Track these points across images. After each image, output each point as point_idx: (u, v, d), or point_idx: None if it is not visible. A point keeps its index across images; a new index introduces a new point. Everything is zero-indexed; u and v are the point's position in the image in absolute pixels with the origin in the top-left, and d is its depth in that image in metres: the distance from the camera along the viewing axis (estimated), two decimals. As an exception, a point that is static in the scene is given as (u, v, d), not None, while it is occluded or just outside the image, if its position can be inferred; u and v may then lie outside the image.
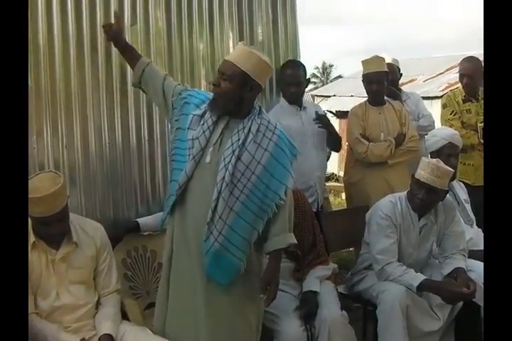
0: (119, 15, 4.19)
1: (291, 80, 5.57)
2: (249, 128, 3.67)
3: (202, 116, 3.73)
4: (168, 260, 3.88)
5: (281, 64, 5.72)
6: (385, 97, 6.15)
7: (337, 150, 6.21)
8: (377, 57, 6.04)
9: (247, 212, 3.65)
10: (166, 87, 3.92)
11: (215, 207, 3.60)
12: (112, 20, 4.10)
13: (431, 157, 5.12)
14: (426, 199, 4.57)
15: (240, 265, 3.69)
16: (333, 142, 5.82)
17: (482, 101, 6.20)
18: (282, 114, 5.50)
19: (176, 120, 3.84)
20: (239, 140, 3.64)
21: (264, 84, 3.76)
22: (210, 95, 3.79)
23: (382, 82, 5.94)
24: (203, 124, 3.69)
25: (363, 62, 6.03)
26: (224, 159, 3.62)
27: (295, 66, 5.67)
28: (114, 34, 3.96)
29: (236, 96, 3.64)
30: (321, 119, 5.64)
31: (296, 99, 5.66)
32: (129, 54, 4.02)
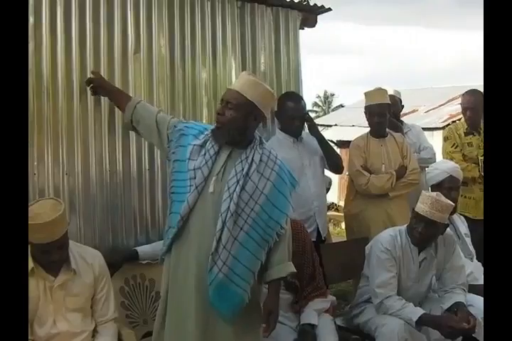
0: (94, 71, 4.34)
1: (296, 113, 5.46)
2: (252, 158, 3.67)
3: (202, 146, 3.72)
4: (165, 291, 3.84)
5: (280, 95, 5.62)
6: (387, 129, 6.14)
7: (338, 172, 6.05)
8: (379, 89, 6.06)
9: (250, 242, 3.64)
10: (159, 120, 3.95)
11: (220, 237, 3.58)
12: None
13: (431, 190, 5.13)
14: (425, 233, 4.56)
15: (244, 295, 3.66)
16: (332, 161, 5.73)
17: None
18: (279, 146, 5.28)
19: (173, 152, 3.83)
20: (243, 170, 3.64)
21: (268, 114, 3.76)
22: (208, 126, 3.83)
23: (385, 114, 5.94)
24: (205, 154, 3.68)
25: (365, 93, 6.05)
26: (228, 188, 3.61)
27: (297, 99, 5.57)
28: (96, 87, 4.08)
29: (241, 125, 3.64)
30: (309, 120, 5.67)
31: (297, 133, 5.57)
32: (118, 95, 4.08)
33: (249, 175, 3.64)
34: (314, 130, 5.69)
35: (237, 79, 3.77)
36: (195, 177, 3.65)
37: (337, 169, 5.84)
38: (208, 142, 3.72)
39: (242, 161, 3.67)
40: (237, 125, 3.64)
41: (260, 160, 3.69)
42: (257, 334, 3.83)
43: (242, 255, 3.62)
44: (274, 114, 5.64)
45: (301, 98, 5.67)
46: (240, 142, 3.71)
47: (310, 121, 5.70)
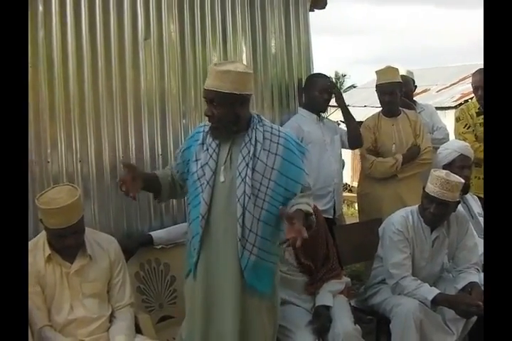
0: (126, 163, 3.95)
1: (326, 88, 5.70)
2: (256, 138, 3.68)
3: (203, 143, 3.75)
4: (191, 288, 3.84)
5: (298, 76, 5.88)
6: (400, 108, 6.15)
7: (358, 144, 6.06)
8: (390, 67, 6.04)
9: (272, 218, 3.66)
10: (173, 172, 3.94)
11: (243, 222, 3.61)
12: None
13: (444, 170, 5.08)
14: (437, 213, 4.57)
15: (276, 268, 3.78)
16: (353, 136, 5.87)
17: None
18: (304, 121, 5.66)
19: (183, 173, 3.87)
20: (249, 152, 3.65)
21: (251, 90, 3.74)
22: (200, 127, 3.85)
23: (395, 92, 5.94)
24: (207, 149, 3.71)
25: (376, 72, 6.04)
26: (240, 174, 3.62)
27: (326, 76, 5.88)
28: (133, 188, 3.68)
29: (232, 116, 3.63)
30: (336, 92, 5.83)
31: (325, 107, 5.83)
32: (150, 182, 3.88)
33: (256, 156, 3.64)
34: (341, 99, 5.85)
35: (208, 74, 3.73)
36: (204, 174, 3.67)
37: (356, 140, 5.93)
38: (208, 136, 3.74)
39: (246, 144, 3.67)
40: (229, 118, 3.63)
41: (264, 138, 3.69)
42: (275, 315, 3.89)
43: (267, 232, 3.66)
44: (299, 91, 5.87)
45: (328, 76, 5.92)
46: (239, 128, 3.71)
47: (337, 92, 5.87)
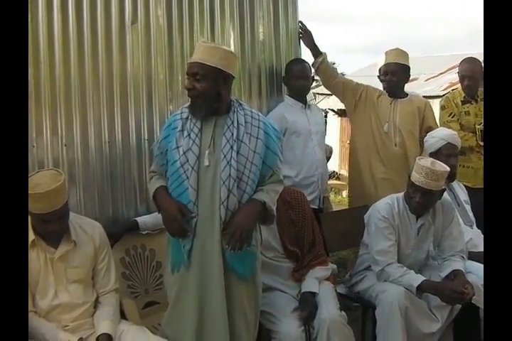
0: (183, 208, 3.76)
1: (300, 74, 5.66)
2: (238, 121, 3.72)
3: (182, 129, 3.74)
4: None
5: (286, 62, 5.82)
6: (410, 93, 6.15)
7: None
8: (398, 49, 5.98)
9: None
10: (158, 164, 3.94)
11: (227, 205, 3.65)
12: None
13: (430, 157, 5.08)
14: (422, 202, 4.57)
15: (255, 251, 3.84)
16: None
17: (481, 102, 6.16)
18: (289, 110, 5.63)
19: (162, 164, 3.87)
20: (233, 135, 3.68)
21: (234, 73, 3.79)
22: (176, 115, 3.84)
23: (396, 73, 5.89)
24: (189, 135, 3.71)
25: (386, 53, 6.02)
26: (225, 156, 3.65)
27: (302, 62, 5.84)
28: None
29: (214, 92, 3.67)
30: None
31: (304, 93, 5.81)
32: None
33: (240, 139, 3.68)
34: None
35: (195, 51, 3.76)
36: (187, 160, 3.67)
37: None
38: (188, 122, 3.74)
39: (229, 127, 3.71)
40: (211, 93, 3.66)
41: (245, 121, 3.75)
42: (257, 301, 3.96)
43: None
44: (282, 80, 5.83)
45: (305, 61, 5.87)
46: (220, 108, 3.74)
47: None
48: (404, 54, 5.97)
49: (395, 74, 5.88)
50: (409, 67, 5.98)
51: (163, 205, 3.76)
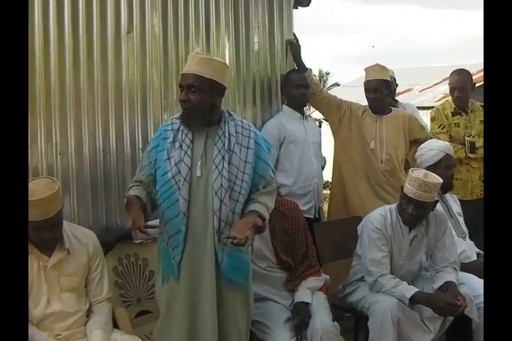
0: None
1: (300, 82, 5.67)
2: (229, 132, 3.74)
3: (174, 141, 3.74)
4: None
5: (280, 73, 5.87)
6: (394, 108, 6.13)
7: None
8: (378, 65, 5.95)
9: (242, 208, 3.77)
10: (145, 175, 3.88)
11: (220, 215, 3.65)
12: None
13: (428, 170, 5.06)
14: (415, 214, 4.58)
15: (248, 259, 3.85)
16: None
17: (471, 114, 6.22)
18: (287, 119, 5.64)
19: (150, 174, 3.83)
20: (224, 145, 3.70)
21: (227, 84, 3.82)
22: (167, 125, 3.84)
23: (380, 90, 5.84)
24: (181, 146, 3.71)
25: (365, 69, 6.00)
26: (216, 167, 3.67)
27: (301, 71, 5.85)
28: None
29: (208, 104, 3.68)
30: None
31: (303, 102, 5.81)
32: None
33: (231, 149, 3.70)
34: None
35: (188, 61, 3.76)
36: (179, 172, 3.67)
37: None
38: (180, 133, 3.75)
39: (220, 137, 3.72)
40: (206, 105, 3.67)
41: (236, 131, 3.77)
42: (249, 310, 3.96)
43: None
44: (280, 90, 5.86)
45: (304, 71, 5.90)
46: (212, 120, 3.75)
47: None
48: (383, 69, 5.96)
49: (377, 91, 5.84)
50: (390, 82, 5.99)
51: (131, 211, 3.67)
